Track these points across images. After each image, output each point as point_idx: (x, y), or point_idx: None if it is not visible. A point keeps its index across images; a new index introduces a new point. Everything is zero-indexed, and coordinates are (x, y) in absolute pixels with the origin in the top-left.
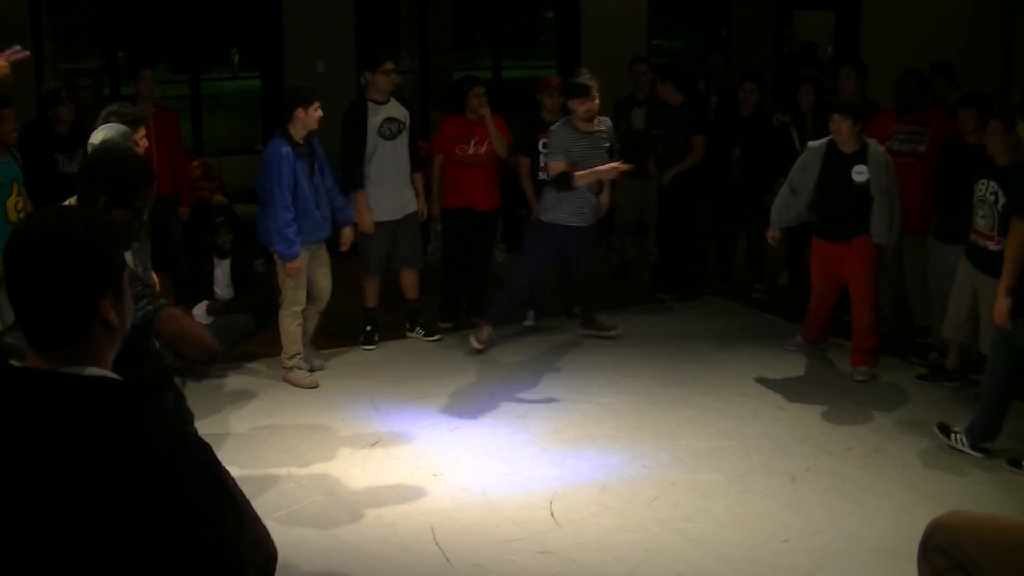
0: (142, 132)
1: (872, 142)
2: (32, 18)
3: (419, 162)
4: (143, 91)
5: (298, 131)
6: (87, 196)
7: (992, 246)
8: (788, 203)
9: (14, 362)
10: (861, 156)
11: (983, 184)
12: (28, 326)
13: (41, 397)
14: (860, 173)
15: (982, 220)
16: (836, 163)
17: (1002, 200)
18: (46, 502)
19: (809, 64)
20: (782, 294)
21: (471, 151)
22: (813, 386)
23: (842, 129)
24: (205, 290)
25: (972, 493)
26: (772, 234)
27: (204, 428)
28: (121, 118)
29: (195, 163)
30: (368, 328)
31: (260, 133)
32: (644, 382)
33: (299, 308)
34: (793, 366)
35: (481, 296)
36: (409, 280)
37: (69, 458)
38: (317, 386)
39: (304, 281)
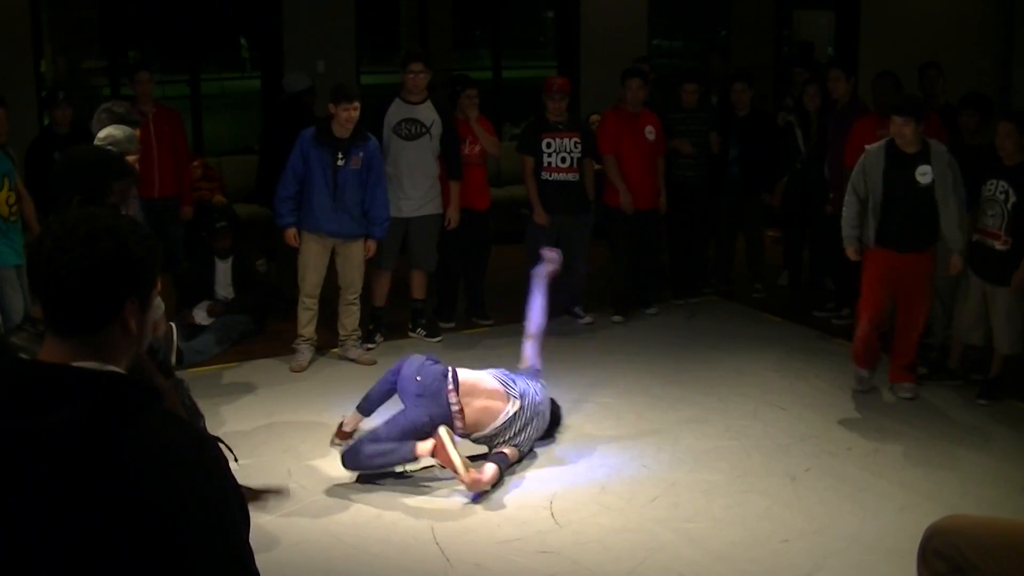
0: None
1: (933, 141)
2: (32, 18)
3: (457, 171)
4: (141, 93)
5: (334, 125)
6: (62, 198)
7: (999, 245)
8: (857, 214)
9: (24, 355)
10: (924, 156)
11: (992, 184)
12: (51, 308)
13: (49, 389)
14: (924, 174)
15: (991, 219)
16: (898, 165)
17: (1013, 199)
18: (51, 496)
19: (806, 64)
20: (782, 294)
21: (465, 151)
22: (813, 386)
23: (905, 132)
24: (205, 290)
25: (972, 493)
26: (849, 249)
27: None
28: (112, 116)
29: (195, 163)
30: (371, 327)
31: (259, 132)
32: (644, 382)
33: (303, 294)
34: (793, 366)
35: (480, 296)
36: (416, 280)
37: (75, 452)
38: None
39: (310, 268)
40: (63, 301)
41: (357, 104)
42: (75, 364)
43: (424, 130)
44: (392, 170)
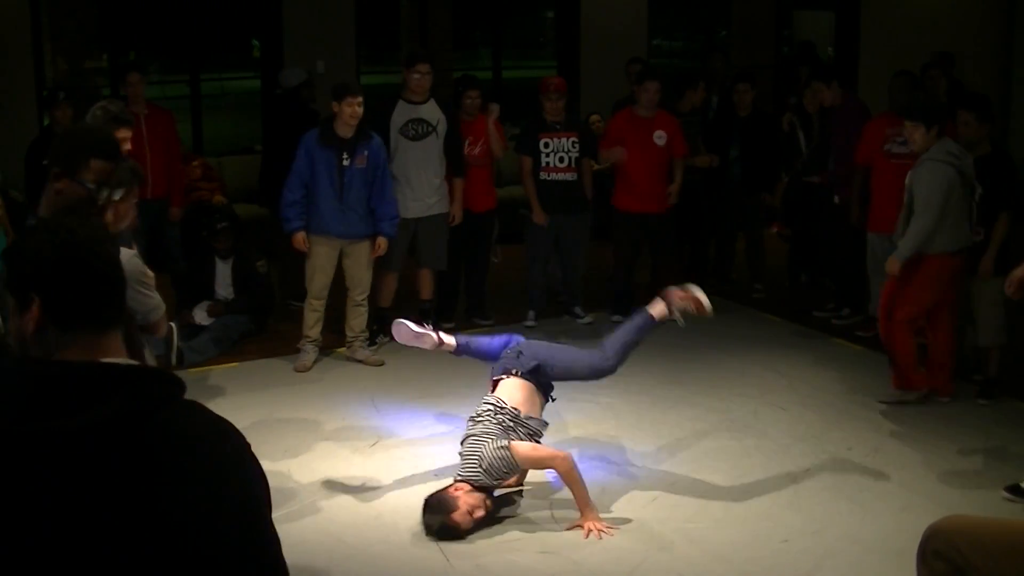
0: (125, 132)
1: (940, 146)
2: (32, 18)
3: (460, 168)
4: (133, 94)
5: (338, 124)
6: (49, 170)
7: (974, 237)
8: None
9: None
10: None
11: None
12: (84, 306)
13: (80, 388)
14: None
15: None
16: None
17: (979, 190)
18: (87, 495)
19: (809, 64)
20: (782, 294)
21: (466, 151)
22: (813, 386)
23: (914, 136)
24: (206, 291)
25: (972, 493)
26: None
27: None
28: (107, 114)
29: (195, 163)
30: (374, 327)
31: (261, 133)
32: (644, 382)
33: (310, 296)
34: (793, 366)
35: (481, 297)
36: (425, 280)
37: (109, 449)
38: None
39: (317, 270)
40: (106, 297)
41: (361, 98)
42: (104, 360)
43: (431, 129)
44: (400, 171)
